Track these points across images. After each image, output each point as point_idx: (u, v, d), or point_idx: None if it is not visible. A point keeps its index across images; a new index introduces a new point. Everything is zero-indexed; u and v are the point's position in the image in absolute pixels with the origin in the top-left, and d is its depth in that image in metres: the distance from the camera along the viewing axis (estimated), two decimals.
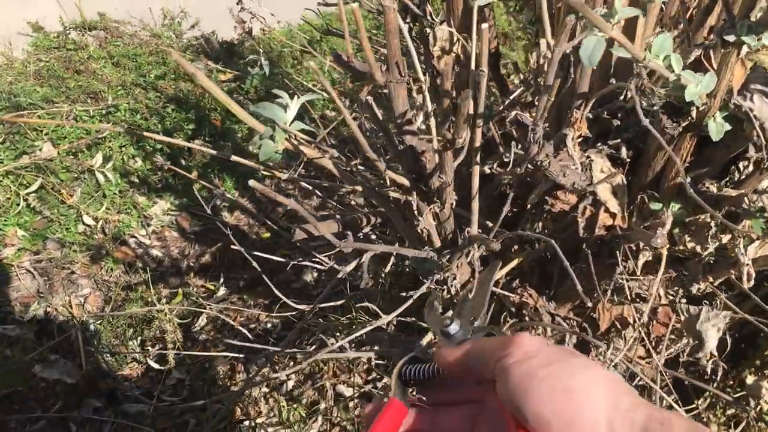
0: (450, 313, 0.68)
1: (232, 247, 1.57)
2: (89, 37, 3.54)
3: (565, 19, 0.72)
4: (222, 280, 2.54)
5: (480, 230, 1.14)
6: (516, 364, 0.45)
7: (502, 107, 1.43)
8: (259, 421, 2.07)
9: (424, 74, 1.23)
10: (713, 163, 1.03)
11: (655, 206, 1.06)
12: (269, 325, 2.40)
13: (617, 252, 1.12)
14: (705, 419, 1.66)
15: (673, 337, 1.36)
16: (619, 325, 1.31)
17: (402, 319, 1.55)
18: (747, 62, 0.88)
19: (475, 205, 1.01)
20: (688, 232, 1.06)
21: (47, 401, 2.09)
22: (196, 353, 2.14)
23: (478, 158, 0.97)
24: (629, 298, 1.16)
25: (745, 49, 0.83)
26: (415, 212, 1.05)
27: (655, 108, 1.01)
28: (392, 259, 1.68)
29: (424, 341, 1.40)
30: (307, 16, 2.47)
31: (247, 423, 2.06)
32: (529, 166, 0.95)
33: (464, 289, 1.20)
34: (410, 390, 0.58)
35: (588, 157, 1.01)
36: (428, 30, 1.31)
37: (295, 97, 0.95)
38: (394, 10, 0.81)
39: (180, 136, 2.98)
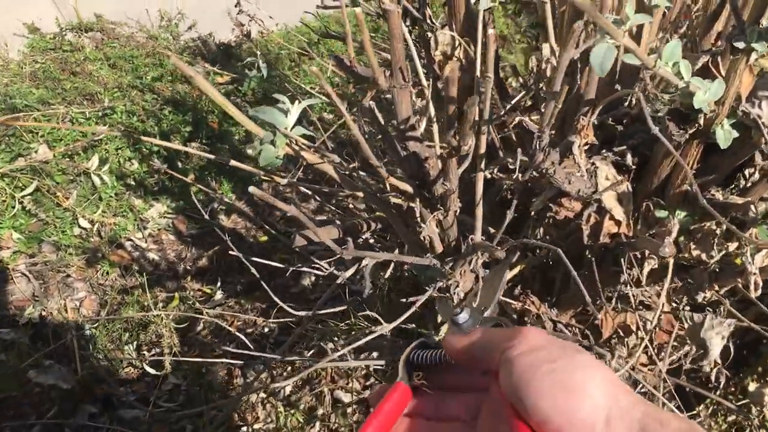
0: (459, 301, 0.69)
1: (230, 252, 1.55)
2: (86, 38, 3.52)
3: (572, 25, 0.70)
4: (219, 284, 2.52)
5: (482, 237, 1.13)
6: (520, 356, 0.46)
7: (502, 111, 1.42)
8: (256, 426, 2.05)
9: (427, 79, 1.21)
10: (719, 170, 1.02)
11: (661, 214, 1.04)
12: (267, 330, 2.38)
13: (621, 260, 1.10)
14: (707, 426, 1.65)
15: (675, 344, 1.34)
16: (621, 333, 1.30)
17: (402, 326, 1.53)
18: (755, 68, 0.87)
19: (479, 212, 1.00)
20: (693, 240, 1.05)
21: (42, 407, 2.07)
22: (193, 359, 2.12)
23: (482, 165, 0.95)
24: (633, 306, 1.14)
25: (754, 55, 0.82)
26: (418, 219, 1.04)
27: (660, 114, 1.00)
28: (392, 264, 1.67)
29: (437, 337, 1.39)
30: (305, 19, 2.45)
31: (244, 429, 2.04)
32: (534, 173, 0.93)
33: (476, 284, 1.19)
34: (417, 375, 0.58)
35: (593, 164, 1.00)
36: (429, 34, 1.29)
37: (296, 101, 0.94)
38: (397, 15, 0.80)
39: (177, 138, 2.96)
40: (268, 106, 0.92)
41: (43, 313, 2.32)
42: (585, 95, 0.91)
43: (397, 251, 1.45)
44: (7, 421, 2.00)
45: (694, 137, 0.94)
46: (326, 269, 1.49)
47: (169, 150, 2.89)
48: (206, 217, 1.66)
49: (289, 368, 2.17)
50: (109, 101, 3.00)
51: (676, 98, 0.97)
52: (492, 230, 1.41)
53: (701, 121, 0.91)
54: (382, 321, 1.47)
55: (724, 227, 1.05)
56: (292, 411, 2.05)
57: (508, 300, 1.26)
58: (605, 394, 0.42)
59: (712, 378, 1.30)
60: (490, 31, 0.76)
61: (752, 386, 1.57)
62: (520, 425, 0.45)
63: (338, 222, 1.25)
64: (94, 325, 2.31)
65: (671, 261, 1.05)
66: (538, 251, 1.30)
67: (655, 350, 1.34)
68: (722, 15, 0.99)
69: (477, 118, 0.83)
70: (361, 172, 1.24)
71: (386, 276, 2.09)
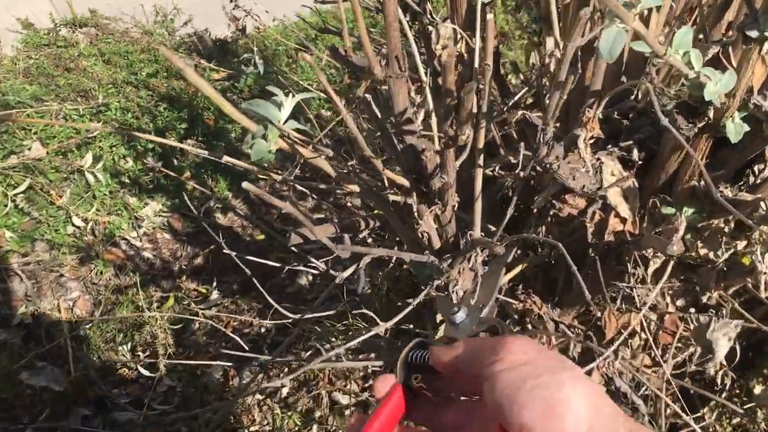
0: (458, 300, 0.68)
1: (224, 251, 1.51)
2: (80, 34, 3.48)
3: (579, 13, 0.67)
4: (215, 283, 2.48)
5: (482, 234, 1.09)
6: (503, 372, 0.46)
7: (504, 108, 1.39)
8: (252, 429, 2.01)
9: (426, 73, 1.18)
10: (729, 165, 0.98)
11: (668, 211, 1.01)
12: (263, 330, 2.34)
13: (626, 258, 1.07)
14: (711, 429, 1.62)
15: (680, 345, 1.31)
16: (625, 333, 1.27)
17: (400, 326, 1.50)
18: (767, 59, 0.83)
19: (478, 207, 0.96)
20: (700, 238, 1.01)
21: (34, 409, 2.03)
22: (188, 362, 2.08)
23: (481, 159, 0.91)
24: (638, 306, 1.11)
25: (767, 45, 0.78)
26: (415, 214, 1.00)
27: (667, 108, 0.97)
28: (390, 263, 1.63)
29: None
30: (303, 14, 2.41)
31: (240, 431, 2.01)
32: (537, 168, 0.90)
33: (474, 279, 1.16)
34: (415, 377, 0.58)
35: (598, 159, 0.96)
36: (430, 28, 1.26)
37: (290, 94, 0.90)
38: (393, 2, 0.76)
39: (172, 135, 2.92)
40: (262, 100, 0.89)
41: (36, 314, 2.28)
42: (591, 87, 0.88)
43: (396, 249, 1.41)
44: None
45: (703, 131, 0.90)
46: (323, 269, 1.46)
47: (164, 147, 2.86)
48: (200, 217, 1.62)
49: (286, 369, 2.14)
50: (104, 98, 2.96)
51: (682, 91, 0.94)
52: (492, 228, 1.38)
53: (711, 114, 0.88)
54: (379, 321, 1.44)
55: (732, 225, 1.01)
56: (289, 413, 2.02)
57: (509, 300, 1.23)
58: (588, 409, 0.43)
59: (718, 380, 1.27)
60: (489, 16, 0.72)
61: (758, 389, 1.53)
62: None
63: (335, 220, 1.21)
64: (88, 326, 2.27)
65: (671, 260, 1.01)
66: (539, 250, 1.26)
67: (660, 352, 1.30)
68: (734, 3, 0.95)
69: (475, 109, 0.80)
70: (358, 169, 1.21)
71: (384, 274, 2.05)
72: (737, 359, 1.35)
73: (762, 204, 0.97)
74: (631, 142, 1.03)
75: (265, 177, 1.12)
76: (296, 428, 1.99)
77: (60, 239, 2.50)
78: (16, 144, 2.63)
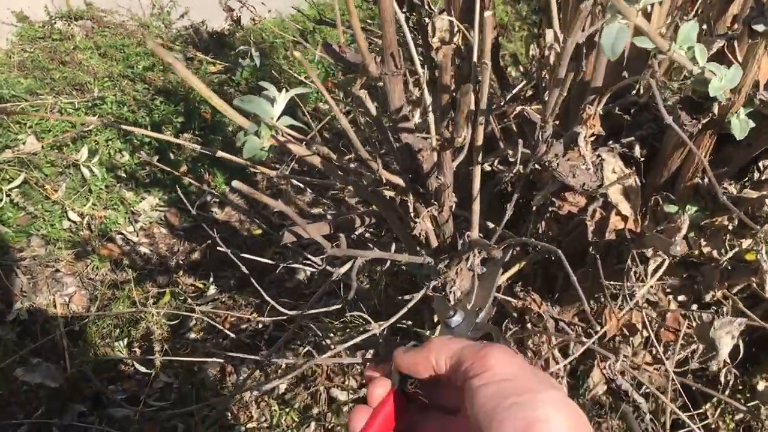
0: (454, 302, 0.67)
1: (218, 249, 1.49)
2: (75, 27, 3.45)
3: (579, 6, 0.64)
4: (212, 279, 2.46)
5: (480, 234, 1.07)
6: (484, 387, 0.45)
7: (503, 101, 1.36)
8: (249, 426, 2.00)
9: (423, 67, 1.15)
10: (733, 162, 0.96)
11: (670, 209, 0.98)
12: (260, 326, 2.32)
13: (627, 256, 1.05)
14: (714, 426, 1.60)
15: (682, 342, 1.29)
16: (626, 332, 1.25)
17: (398, 324, 1.48)
18: None
19: (476, 207, 0.94)
20: (703, 236, 0.99)
21: (29, 405, 2.01)
22: (184, 359, 2.07)
23: (480, 158, 0.89)
24: (639, 304, 1.09)
25: None
26: (411, 215, 0.98)
27: (670, 103, 0.94)
28: (388, 260, 1.61)
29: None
30: (300, 6, 2.38)
31: (237, 428, 1.99)
32: (537, 166, 0.87)
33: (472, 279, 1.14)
34: (411, 382, 0.57)
35: (599, 156, 0.94)
36: (426, 20, 1.23)
37: (284, 90, 0.88)
38: None
39: (168, 129, 2.90)
40: (255, 96, 0.86)
41: (32, 309, 2.26)
42: (591, 82, 0.85)
43: (393, 246, 1.39)
44: None
45: (707, 127, 0.88)
46: (319, 265, 1.43)
47: (160, 141, 2.83)
48: (194, 212, 1.60)
49: (284, 365, 2.12)
50: (99, 91, 2.93)
51: (685, 86, 0.92)
52: (490, 225, 1.35)
53: (715, 110, 0.85)
54: (373, 321, 1.42)
55: (736, 222, 0.99)
56: (287, 409, 2.00)
57: (508, 298, 1.21)
58: (566, 428, 0.42)
59: (722, 378, 1.25)
60: (488, 13, 0.70)
61: (761, 385, 1.52)
62: None
63: (330, 217, 1.19)
64: (84, 322, 2.25)
65: (673, 259, 0.99)
66: (539, 246, 1.24)
67: (662, 349, 1.29)
68: None
69: (473, 108, 0.78)
70: (355, 164, 1.19)
71: (383, 270, 2.03)
72: (740, 356, 1.33)
73: (767, 201, 0.95)
74: (632, 138, 1.00)
75: (262, 171, 1.10)
76: (294, 425, 1.97)
77: (56, 234, 2.48)
78: (10, 138, 2.61)
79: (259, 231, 2.68)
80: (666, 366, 1.24)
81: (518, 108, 0.98)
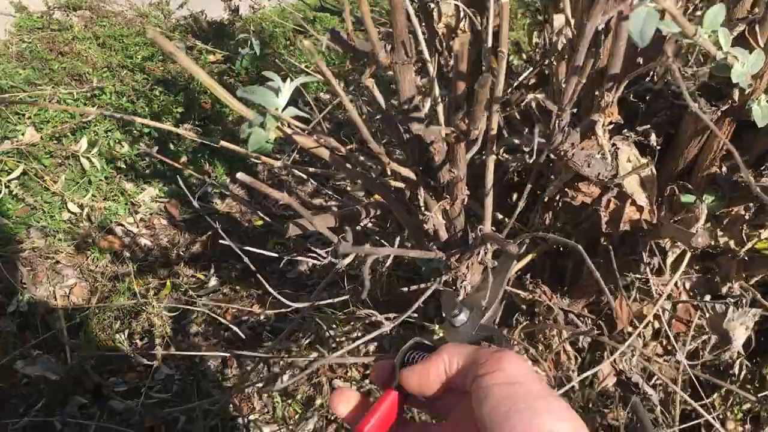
0: (461, 299, 0.65)
1: (221, 242, 1.47)
2: (74, 17, 3.41)
3: None
4: (213, 270, 2.44)
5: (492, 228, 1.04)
6: (497, 387, 0.45)
7: (508, 89, 1.33)
8: (252, 417, 1.98)
9: (430, 54, 1.13)
10: (752, 150, 0.93)
11: (687, 199, 0.96)
12: (263, 317, 2.30)
13: (641, 248, 1.02)
14: (721, 416, 1.59)
15: (693, 334, 1.27)
16: (637, 323, 1.23)
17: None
18: None
19: (489, 201, 0.91)
20: (720, 226, 0.97)
21: (30, 398, 2.00)
22: (186, 353, 2.05)
23: (494, 149, 0.87)
24: (654, 296, 1.06)
25: None
26: (422, 207, 0.95)
27: (688, 90, 0.92)
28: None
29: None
30: None
31: (240, 420, 1.97)
32: (551, 155, 0.85)
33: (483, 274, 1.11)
34: None
35: (614, 144, 0.91)
36: (431, 5, 1.20)
37: (288, 80, 0.85)
38: None
39: (168, 119, 2.87)
40: (259, 86, 0.84)
41: (32, 301, 2.24)
42: (609, 69, 0.83)
43: (398, 239, 1.36)
44: None
45: (726, 114, 0.85)
46: (323, 257, 1.41)
47: (160, 131, 2.80)
48: (196, 203, 1.58)
49: (286, 355, 2.10)
50: (98, 81, 2.90)
51: (701, 72, 0.89)
52: (498, 215, 1.33)
53: (736, 97, 0.83)
54: (376, 311, 1.40)
55: (753, 212, 0.97)
56: (289, 401, 1.98)
57: (517, 291, 1.19)
58: None
59: (735, 369, 1.23)
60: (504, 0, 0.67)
61: None
62: None
63: (335, 209, 1.17)
64: (84, 314, 2.23)
65: (694, 251, 0.96)
66: (552, 240, 1.22)
67: (674, 340, 1.27)
68: None
69: (489, 98, 0.75)
70: (359, 154, 1.16)
71: (384, 262, 2.01)
72: (752, 346, 1.31)
73: None
74: (648, 126, 0.98)
75: (263, 162, 1.08)
76: (297, 416, 1.96)
77: (55, 226, 2.45)
78: (9, 129, 2.58)
79: (260, 222, 2.65)
80: (677, 357, 1.23)
81: (529, 96, 0.95)
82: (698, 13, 1.05)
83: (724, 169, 0.94)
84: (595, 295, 1.24)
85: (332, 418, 1.94)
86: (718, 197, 0.96)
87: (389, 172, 0.97)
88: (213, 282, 2.42)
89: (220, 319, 2.01)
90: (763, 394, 1.42)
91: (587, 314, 1.26)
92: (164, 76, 3.05)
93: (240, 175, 0.82)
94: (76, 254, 2.43)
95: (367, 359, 1.26)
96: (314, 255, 1.40)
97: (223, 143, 1.00)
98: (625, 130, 0.98)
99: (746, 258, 1.01)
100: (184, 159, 2.77)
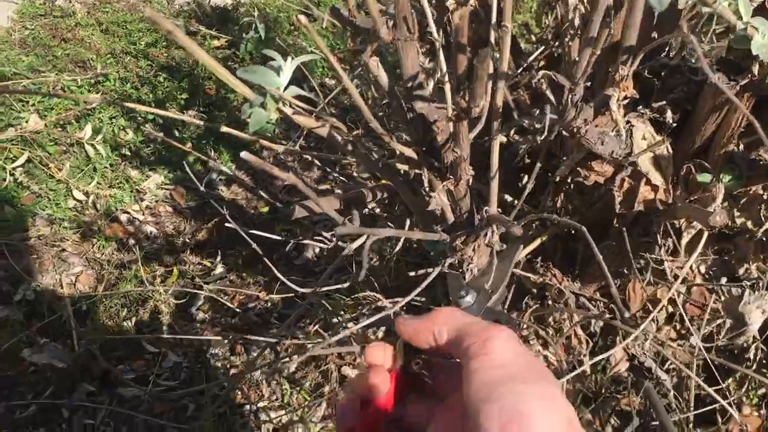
0: (468, 282, 0.63)
1: (227, 225, 1.45)
2: (77, 3, 3.38)
3: None
4: (219, 257, 2.42)
5: (499, 210, 1.02)
6: (480, 371, 0.45)
7: (519, 70, 1.31)
8: (260, 404, 1.97)
9: (438, 31, 1.10)
10: None
11: (704, 178, 0.93)
12: (270, 304, 2.29)
13: (655, 229, 1.00)
14: (736, 401, 1.56)
15: (708, 317, 1.24)
16: (650, 307, 1.20)
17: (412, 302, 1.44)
18: None
19: (495, 182, 0.89)
20: (737, 206, 0.94)
21: (38, 386, 1.99)
22: (193, 339, 2.03)
23: (498, 128, 0.84)
24: (669, 279, 1.04)
25: None
26: (426, 189, 0.93)
27: (699, 65, 0.88)
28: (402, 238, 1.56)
29: None
30: None
31: (248, 407, 1.96)
32: (564, 132, 0.82)
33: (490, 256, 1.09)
34: (416, 361, 0.55)
35: (628, 122, 0.88)
36: None
37: (289, 58, 0.82)
38: None
39: (173, 106, 2.84)
40: (260, 66, 0.81)
41: (38, 289, 2.23)
42: (624, 41, 0.79)
43: (408, 222, 1.34)
44: (1, 401, 1.92)
45: (745, 89, 0.82)
46: (330, 241, 1.39)
47: (165, 118, 2.78)
48: (202, 189, 1.56)
49: (294, 341, 2.09)
50: (102, 68, 2.88)
51: (716, 47, 0.86)
52: (507, 198, 1.30)
53: (755, 70, 0.80)
54: (384, 296, 1.38)
55: None
56: (298, 388, 1.97)
57: (527, 274, 1.16)
58: (552, 426, 0.41)
59: (750, 354, 1.20)
60: None
61: None
62: None
63: (340, 192, 1.14)
64: (91, 301, 2.22)
65: (711, 231, 0.94)
66: (560, 223, 1.19)
67: (687, 324, 1.24)
68: None
69: (492, 73, 0.72)
70: (365, 138, 1.13)
71: (392, 247, 1.98)
72: None
73: None
74: (663, 102, 0.95)
75: (268, 147, 1.06)
76: (305, 403, 1.94)
77: (61, 213, 2.44)
78: (13, 116, 2.57)
79: (266, 208, 2.63)
80: (691, 341, 1.20)
81: (541, 73, 0.92)
82: None
83: (741, 146, 0.91)
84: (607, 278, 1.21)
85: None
86: (736, 176, 0.93)
87: (394, 153, 0.95)
88: (219, 269, 2.41)
89: (228, 304, 1.99)
90: None
91: (599, 297, 1.24)
92: (168, 62, 3.02)
93: (244, 154, 0.80)
94: (82, 242, 2.42)
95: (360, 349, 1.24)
96: (320, 239, 1.38)
97: (227, 129, 0.97)
98: (640, 107, 0.95)
99: (764, 239, 0.98)
100: (189, 145, 2.74)
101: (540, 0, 1.53)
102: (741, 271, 1.06)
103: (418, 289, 1.04)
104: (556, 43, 1.36)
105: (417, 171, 0.97)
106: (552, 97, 0.88)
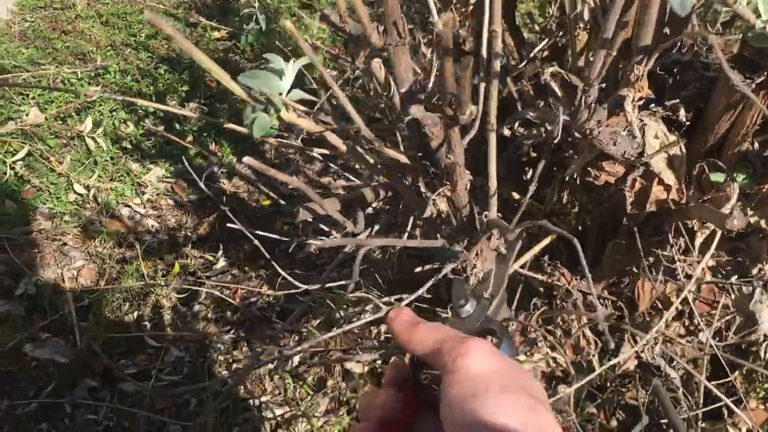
0: (469, 288, 0.62)
1: (229, 225, 1.44)
2: None
3: None
4: (221, 251, 2.41)
5: (499, 203, 0.99)
6: (450, 387, 0.45)
7: (524, 62, 1.28)
8: (263, 399, 1.96)
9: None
10: None
11: (717, 177, 0.91)
12: (272, 298, 2.27)
13: (666, 228, 0.98)
14: (743, 394, 1.55)
15: (716, 314, 1.23)
16: (659, 305, 1.19)
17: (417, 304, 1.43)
18: None
19: (493, 184, 0.87)
20: (751, 205, 0.92)
21: (40, 381, 1.98)
22: (195, 334, 2.02)
23: (493, 136, 0.82)
24: (680, 278, 1.02)
25: None
26: (424, 196, 0.91)
27: (713, 63, 0.87)
28: (405, 230, 1.55)
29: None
30: None
31: (251, 401, 1.95)
32: (576, 134, 0.80)
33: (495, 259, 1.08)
34: (424, 374, 0.54)
35: (641, 120, 0.87)
36: None
37: (291, 60, 0.80)
38: None
39: (173, 98, 2.82)
40: (261, 70, 0.79)
41: (39, 284, 2.22)
42: (639, 41, 0.77)
43: (411, 219, 1.32)
44: (3, 397, 1.91)
45: (762, 87, 0.80)
46: (334, 237, 1.38)
47: (166, 111, 2.76)
48: (202, 184, 1.54)
49: (297, 337, 2.08)
50: (102, 60, 2.86)
51: (732, 43, 0.84)
52: (514, 195, 1.29)
53: None
54: (387, 291, 1.36)
55: None
56: (301, 382, 1.96)
57: (534, 275, 1.14)
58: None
59: (762, 354, 1.19)
60: None
61: None
62: None
63: (343, 190, 1.13)
64: (93, 296, 2.21)
65: (726, 232, 0.92)
66: (568, 215, 1.17)
67: (696, 322, 1.23)
68: None
69: (486, 75, 0.70)
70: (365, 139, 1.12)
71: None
72: None
73: None
74: (676, 100, 0.93)
75: (270, 142, 1.05)
76: (308, 398, 1.93)
77: (62, 207, 2.43)
78: (13, 109, 2.55)
79: (268, 201, 2.62)
80: (700, 338, 1.19)
81: (549, 70, 0.90)
82: None
83: (756, 145, 0.89)
84: (615, 277, 1.20)
85: (344, 399, 1.91)
86: (750, 175, 0.91)
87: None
88: (221, 263, 2.39)
89: (229, 299, 1.98)
90: None
91: (608, 296, 1.22)
92: (169, 55, 3.00)
93: (247, 159, 0.78)
94: (83, 236, 2.40)
95: (373, 357, 1.23)
96: (324, 237, 1.36)
97: (229, 125, 0.96)
98: (652, 105, 0.94)
99: None
100: (190, 138, 2.72)
101: None
102: (754, 271, 1.04)
103: (417, 293, 1.02)
104: (560, 33, 1.34)
105: (414, 176, 0.96)
106: (558, 91, 0.86)
